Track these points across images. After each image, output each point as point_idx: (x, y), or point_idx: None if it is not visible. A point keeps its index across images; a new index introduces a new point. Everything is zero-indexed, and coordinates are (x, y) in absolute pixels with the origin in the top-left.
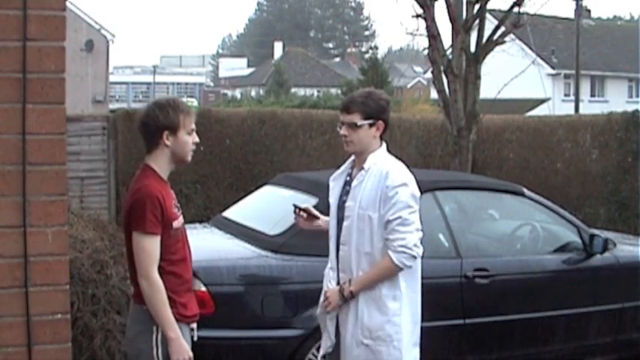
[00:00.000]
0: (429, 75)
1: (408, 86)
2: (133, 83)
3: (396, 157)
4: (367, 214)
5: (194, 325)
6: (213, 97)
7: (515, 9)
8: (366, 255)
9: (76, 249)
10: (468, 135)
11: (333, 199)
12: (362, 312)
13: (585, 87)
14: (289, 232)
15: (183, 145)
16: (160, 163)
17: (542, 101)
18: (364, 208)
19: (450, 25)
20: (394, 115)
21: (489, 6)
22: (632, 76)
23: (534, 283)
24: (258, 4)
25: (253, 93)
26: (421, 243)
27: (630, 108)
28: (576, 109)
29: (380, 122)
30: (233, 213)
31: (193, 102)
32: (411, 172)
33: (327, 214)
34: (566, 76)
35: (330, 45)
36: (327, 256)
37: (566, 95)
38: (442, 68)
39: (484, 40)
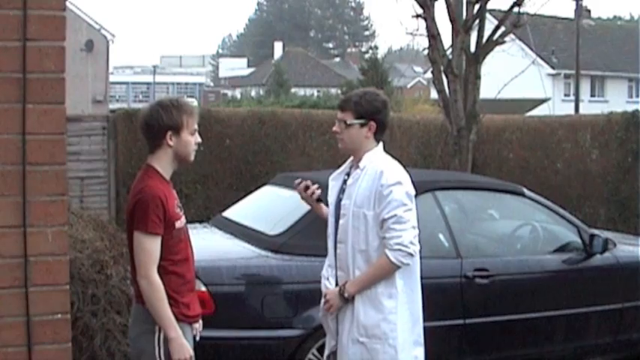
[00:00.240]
0: (429, 75)
1: (408, 86)
2: (133, 83)
3: (396, 157)
4: (362, 212)
5: (197, 325)
6: (213, 97)
7: (515, 9)
8: (361, 252)
9: (76, 249)
10: (468, 135)
11: (331, 198)
12: (358, 310)
13: (585, 87)
14: (289, 232)
15: (186, 145)
16: (163, 163)
17: (542, 101)
18: (359, 206)
19: (450, 25)
20: (394, 115)
21: (489, 6)
22: (632, 76)
23: (534, 283)
24: (258, 4)
25: (253, 93)
26: (419, 241)
27: (630, 108)
28: (576, 109)
29: (372, 123)
30: (233, 213)
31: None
32: (408, 171)
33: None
34: (566, 76)
35: (330, 45)
36: (327, 256)
37: (566, 95)
38: (442, 68)
39: (484, 40)
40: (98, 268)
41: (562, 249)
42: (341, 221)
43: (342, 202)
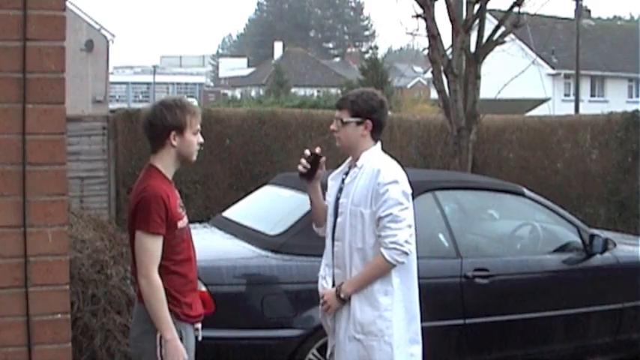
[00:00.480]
0: (429, 75)
1: (408, 86)
2: (133, 83)
3: (396, 157)
4: (359, 211)
5: (199, 325)
6: (213, 97)
7: (515, 9)
8: (358, 250)
9: (76, 249)
10: (468, 135)
11: (330, 198)
12: (354, 307)
13: (585, 87)
14: (289, 232)
15: (189, 145)
16: (166, 163)
17: (542, 101)
18: (356, 205)
19: (450, 25)
20: (394, 115)
21: (489, 6)
22: (632, 76)
23: (534, 283)
24: (258, 4)
25: (253, 93)
26: (416, 240)
27: (630, 108)
28: (576, 109)
29: (368, 122)
30: (233, 213)
31: (193, 102)
32: (406, 171)
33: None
34: (566, 76)
35: (330, 45)
36: None
37: (566, 95)
38: (442, 68)
39: (484, 40)
40: (98, 268)
41: (562, 249)
42: (338, 219)
43: (340, 201)
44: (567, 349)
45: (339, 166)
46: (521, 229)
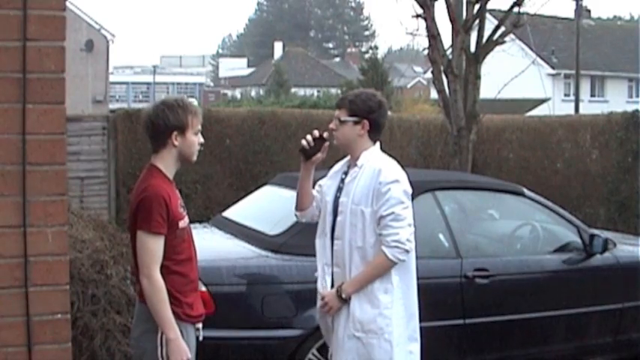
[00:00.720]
0: (429, 75)
1: (408, 86)
2: (133, 83)
3: (396, 157)
4: (360, 209)
5: (200, 325)
6: (213, 97)
7: (515, 9)
8: (358, 249)
9: (76, 249)
10: (468, 135)
11: (329, 197)
12: (354, 306)
13: (585, 87)
14: (289, 232)
15: (190, 145)
16: (167, 163)
17: (542, 101)
18: (357, 203)
19: (450, 25)
20: (394, 115)
21: (489, 6)
22: (632, 76)
23: (534, 283)
24: (258, 4)
25: (253, 93)
26: (416, 240)
27: (630, 108)
28: (576, 109)
29: (365, 121)
30: (233, 213)
31: (194, 102)
32: (406, 171)
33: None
34: (566, 76)
35: (330, 45)
36: None
37: (566, 95)
38: (442, 68)
39: (484, 40)
40: (98, 268)
41: (562, 249)
42: (339, 218)
43: (340, 200)
44: (567, 349)
45: (332, 167)
46: (521, 229)
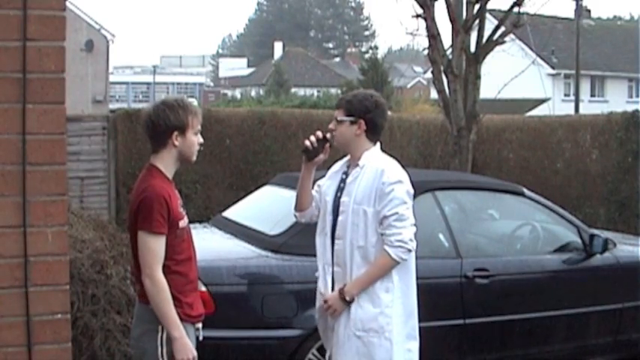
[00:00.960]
0: (429, 75)
1: (408, 86)
2: (133, 83)
3: (396, 157)
4: (362, 209)
5: (199, 325)
6: (213, 97)
7: (515, 9)
8: (359, 249)
9: (76, 249)
10: (468, 135)
11: (329, 197)
12: (355, 305)
13: (585, 87)
14: (289, 232)
15: (190, 145)
16: (166, 163)
17: (542, 101)
18: (359, 203)
19: (450, 25)
20: (394, 115)
21: (489, 6)
22: (632, 76)
23: (534, 283)
24: (258, 4)
25: (253, 93)
26: (416, 240)
27: (630, 108)
28: (576, 109)
29: (361, 121)
30: (233, 213)
31: (193, 102)
32: (407, 171)
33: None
34: (566, 76)
35: (330, 45)
36: None
37: (566, 95)
38: (442, 68)
39: (484, 40)
40: (98, 268)
41: (562, 249)
42: (340, 218)
43: (342, 200)
44: (567, 349)
45: (330, 167)
46: (521, 229)
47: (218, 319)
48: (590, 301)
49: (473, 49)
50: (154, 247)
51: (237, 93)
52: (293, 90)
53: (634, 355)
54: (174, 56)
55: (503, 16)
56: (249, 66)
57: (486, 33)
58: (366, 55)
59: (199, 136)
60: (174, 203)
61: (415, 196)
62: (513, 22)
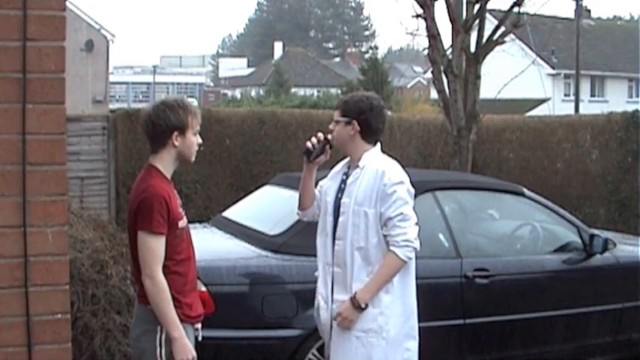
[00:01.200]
0: (429, 75)
1: (408, 86)
2: (133, 83)
3: (396, 157)
4: (363, 210)
5: (199, 326)
6: (213, 97)
7: (515, 9)
8: (359, 250)
9: (76, 249)
10: (468, 135)
11: (329, 198)
12: None
13: (585, 87)
14: (289, 232)
15: (190, 145)
16: (165, 163)
17: (542, 101)
18: (359, 204)
19: (450, 25)
20: (394, 115)
21: (489, 6)
22: (632, 76)
23: (534, 283)
24: (258, 4)
25: (253, 93)
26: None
27: (630, 108)
28: (576, 109)
29: (355, 122)
30: (233, 213)
31: (193, 102)
32: (406, 171)
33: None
34: (566, 76)
35: (330, 45)
36: None
37: (566, 95)
38: (442, 68)
39: (484, 40)
40: (98, 268)
41: (562, 249)
42: (340, 219)
43: (342, 201)
44: (567, 349)
45: (332, 167)
46: (521, 229)
47: (218, 319)
48: (590, 301)
49: (473, 49)
50: (154, 247)
51: (237, 93)
52: (293, 90)
53: (634, 355)
54: (174, 56)
55: (503, 16)
56: (249, 66)
57: (486, 33)
58: (366, 55)
59: (198, 136)
60: (174, 203)
61: (415, 196)
62: (513, 22)
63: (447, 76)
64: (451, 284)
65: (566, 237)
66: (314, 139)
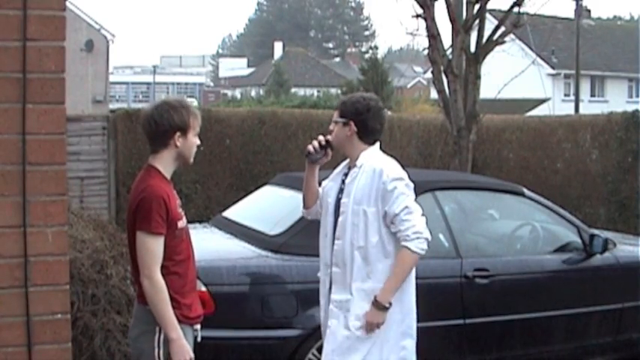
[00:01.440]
0: (429, 75)
1: (408, 86)
2: (133, 83)
3: (396, 157)
4: (362, 209)
5: (198, 326)
6: (213, 97)
7: (515, 9)
8: (359, 249)
9: (76, 249)
10: (468, 135)
11: (330, 198)
12: (354, 304)
13: (585, 87)
14: (289, 232)
15: (190, 146)
16: (165, 164)
17: (542, 101)
18: (358, 203)
19: (450, 25)
20: (394, 115)
21: (489, 6)
22: (632, 76)
23: (534, 283)
24: (258, 4)
25: (253, 93)
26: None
27: (630, 108)
28: (576, 109)
29: (352, 123)
30: (233, 213)
31: (193, 102)
32: (406, 171)
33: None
34: (566, 76)
35: (330, 45)
36: None
37: (566, 95)
38: (442, 68)
39: (484, 40)
40: (98, 268)
41: (562, 249)
42: (340, 218)
43: (342, 201)
44: (567, 349)
45: (335, 168)
46: (521, 229)
47: (218, 319)
48: (590, 301)
49: (473, 49)
50: (153, 247)
51: (237, 93)
52: (293, 90)
53: (634, 355)
54: (174, 56)
55: (503, 16)
56: (249, 66)
57: (486, 33)
58: (366, 55)
59: (197, 137)
60: (173, 203)
61: (415, 196)
62: (513, 22)
63: (447, 76)
64: (451, 284)
65: (566, 237)
66: (315, 143)
